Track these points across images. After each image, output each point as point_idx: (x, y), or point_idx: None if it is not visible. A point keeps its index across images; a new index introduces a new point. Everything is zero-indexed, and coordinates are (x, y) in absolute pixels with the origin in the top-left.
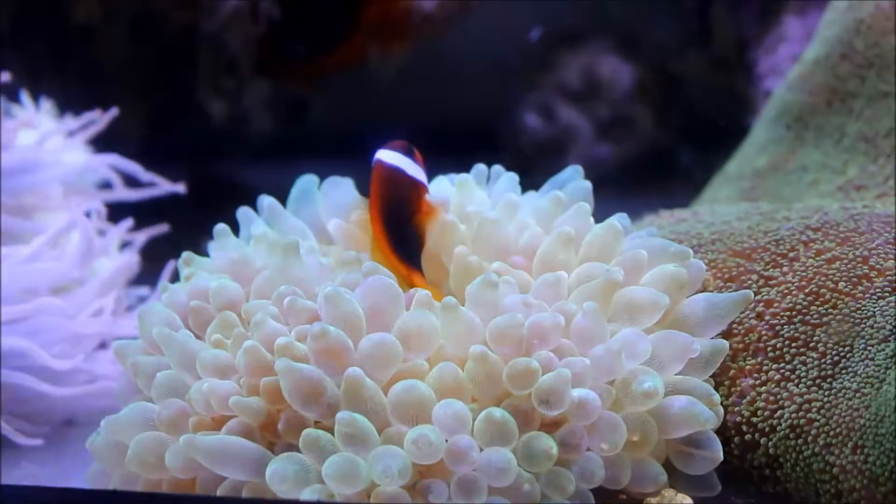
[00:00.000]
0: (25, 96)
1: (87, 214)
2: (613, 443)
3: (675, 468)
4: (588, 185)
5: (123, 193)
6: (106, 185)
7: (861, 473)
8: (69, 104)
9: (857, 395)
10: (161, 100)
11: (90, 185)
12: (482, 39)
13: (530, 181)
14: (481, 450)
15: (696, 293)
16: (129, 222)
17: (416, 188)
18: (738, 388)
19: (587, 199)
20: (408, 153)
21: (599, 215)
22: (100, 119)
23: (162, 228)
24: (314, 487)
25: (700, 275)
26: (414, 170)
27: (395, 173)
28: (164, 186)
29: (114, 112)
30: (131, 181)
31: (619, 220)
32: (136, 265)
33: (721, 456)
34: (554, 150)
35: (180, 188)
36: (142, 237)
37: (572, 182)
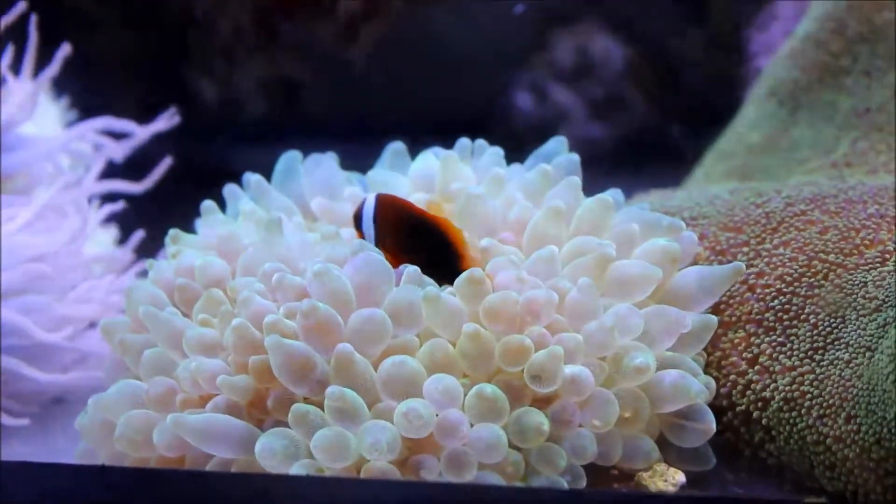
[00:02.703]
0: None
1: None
2: (605, 419)
3: (669, 442)
4: (575, 157)
5: (116, 150)
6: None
7: (854, 443)
8: (60, 88)
9: (850, 365)
10: (152, 82)
11: (84, 158)
12: (473, 20)
13: (522, 161)
14: (472, 425)
15: (688, 266)
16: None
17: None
18: (731, 362)
19: (575, 172)
20: None
21: (592, 194)
22: (56, 59)
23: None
24: (303, 462)
25: (692, 247)
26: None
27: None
28: (159, 124)
29: (66, 49)
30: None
31: (612, 195)
32: (128, 257)
33: (714, 427)
34: (546, 130)
35: (175, 118)
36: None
37: (559, 155)
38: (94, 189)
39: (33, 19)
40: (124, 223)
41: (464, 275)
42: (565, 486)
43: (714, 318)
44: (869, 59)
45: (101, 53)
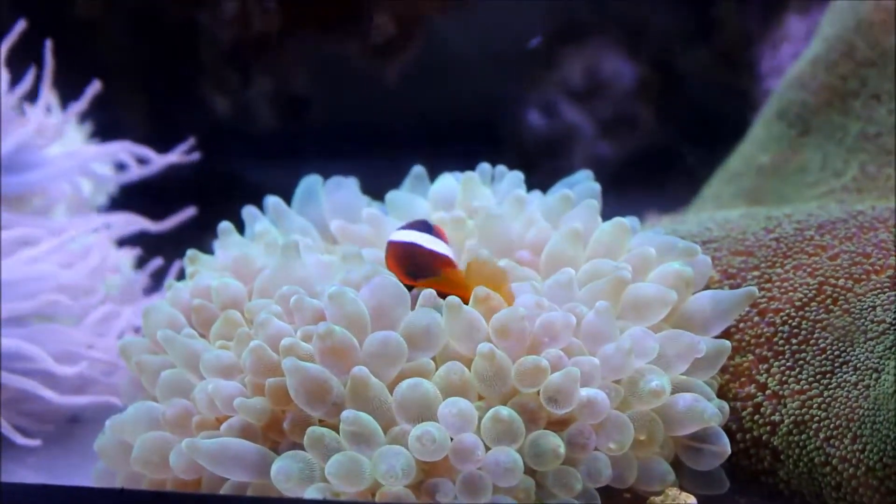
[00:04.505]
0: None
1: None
2: (621, 442)
3: (684, 465)
4: (597, 186)
5: (138, 171)
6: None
7: (860, 462)
8: (72, 101)
9: (857, 387)
10: (164, 97)
11: (101, 180)
12: (485, 37)
13: (533, 179)
14: (488, 448)
15: (702, 290)
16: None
17: (436, 259)
18: (741, 385)
19: (595, 199)
20: (424, 229)
21: (603, 214)
22: (85, 95)
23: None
24: (318, 486)
25: (707, 271)
26: (433, 243)
27: (410, 248)
28: (176, 155)
29: (96, 86)
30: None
31: (628, 221)
32: (143, 282)
33: (728, 450)
34: (556, 148)
35: (195, 156)
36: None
37: (582, 183)
38: (114, 220)
39: (48, 44)
40: (139, 238)
41: (472, 298)
42: None
43: (727, 344)
44: (878, 82)
45: (112, 66)
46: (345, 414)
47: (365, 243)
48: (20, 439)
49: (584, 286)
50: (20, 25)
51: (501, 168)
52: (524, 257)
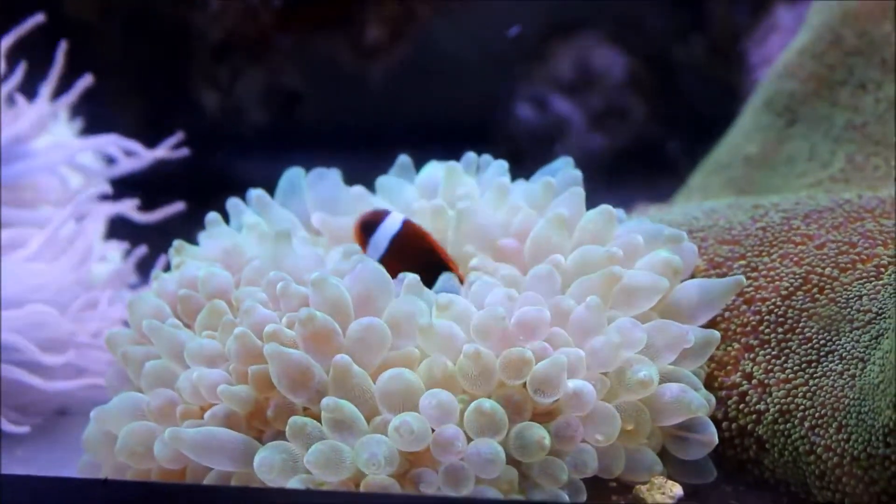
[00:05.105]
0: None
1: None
2: (608, 434)
3: (671, 455)
4: (578, 173)
5: (128, 165)
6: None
7: (845, 452)
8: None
9: (843, 376)
10: (155, 93)
11: (90, 172)
12: (475, 31)
13: (523, 172)
14: (470, 440)
15: (688, 278)
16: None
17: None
18: (727, 374)
19: (578, 186)
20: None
21: (591, 206)
22: (75, 88)
23: (178, 207)
24: (301, 477)
25: (693, 258)
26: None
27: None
28: (165, 150)
29: (88, 80)
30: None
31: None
32: (131, 273)
33: (716, 439)
34: (546, 140)
35: (184, 152)
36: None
37: (562, 171)
38: (102, 211)
39: (62, 45)
40: (127, 231)
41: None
42: (566, 499)
43: (716, 334)
44: (865, 71)
45: (104, 63)
46: (325, 401)
47: (347, 235)
48: (11, 427)
49: (572, 274)
50: (32, 21)
51: (487, 157)
52: (510, 245)
